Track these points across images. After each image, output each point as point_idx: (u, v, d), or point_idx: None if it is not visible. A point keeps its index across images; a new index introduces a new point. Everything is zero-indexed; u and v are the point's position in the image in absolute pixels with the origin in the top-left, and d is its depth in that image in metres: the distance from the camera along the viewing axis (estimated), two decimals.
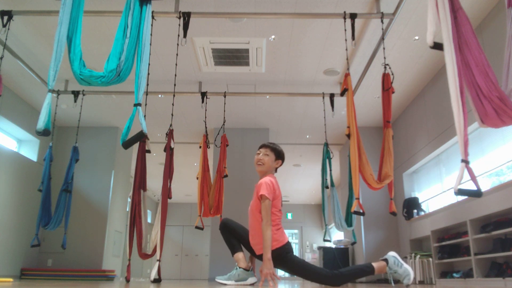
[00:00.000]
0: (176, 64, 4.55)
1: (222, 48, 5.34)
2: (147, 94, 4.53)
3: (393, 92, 3.93)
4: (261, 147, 3.05)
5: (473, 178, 2.08)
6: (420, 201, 6.72)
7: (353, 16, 4.15)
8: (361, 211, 3.70)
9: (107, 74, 3.07)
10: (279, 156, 3.02)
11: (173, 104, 4.70)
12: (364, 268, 2.72)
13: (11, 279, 5.32)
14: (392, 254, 2.74)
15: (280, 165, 3.05)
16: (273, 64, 5.77)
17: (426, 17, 3.01)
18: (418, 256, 6.00)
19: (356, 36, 4.78)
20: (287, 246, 2.83)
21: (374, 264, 2.70)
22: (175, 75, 4.76)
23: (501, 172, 4.84)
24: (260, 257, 2.85)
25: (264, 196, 2.74)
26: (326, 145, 5.83)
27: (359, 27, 4.83)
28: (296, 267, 2.79)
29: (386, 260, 2.70)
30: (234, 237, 2.97)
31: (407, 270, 2.66)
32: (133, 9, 3.29)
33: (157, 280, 3.56)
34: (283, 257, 2.78)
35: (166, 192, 4.02)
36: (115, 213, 7.92)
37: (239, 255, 2.94)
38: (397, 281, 2.77)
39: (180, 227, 14.96)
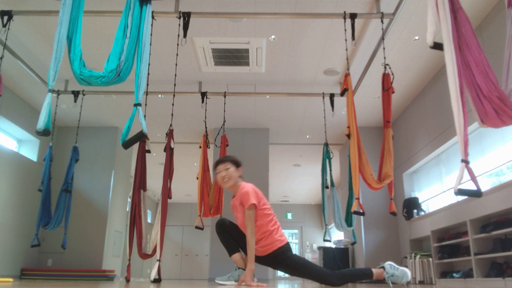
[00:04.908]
0: (176, 64, 4.55)
1: (222, 48, 5.34)
2: (147, 94, 4.53)
3: (393, 92, 3.94)
4: (216, 165, 3.00)
5: (473, 178, 2.08)
6: (420, 201, 6.72)
7: (353, 16, 4.16)
8: (361, 211, 3.71)
9: (107, 74, 3.07)
10: (238, 163, 3.03)
11: (173, 104, 4.71)
12: (364, 271, 2.83)
13: (11, 279, 5.32)
14: (388, 262, 2.88)
15: (241, 171, 3.04)
16: (273, 64, 5.77)
17: (426, 17, 3.01)
18: (418, 256, 6.00)
19: (356, 36, 4.78)
20: (288, 245, 2.88)
21: (373, 270, 2.82)
22: (175, 75, 4.76)
23: (501, 172, 4.83)
24: (261, 259, 2.87)
25: (253, 205, 2.76)
26: (326, 145, 5.84)
27: (359, 27, 4.83)
28: (297, 265, 2.82)
29: (383, 268, 2.84)
30: (231, 237, 2.96)
31: (404, 270, 2.81)
32: (133, 9, 3.30)
33: (157, 280, 3.56)
34: (284, 256, 2.80)
35: (166, 192, 4.02)
36: (115, 213, 7.92)
37: (237, 256, 2.93)
38: (396, 284, 2.85)
39: (180, 227, 14.96)
